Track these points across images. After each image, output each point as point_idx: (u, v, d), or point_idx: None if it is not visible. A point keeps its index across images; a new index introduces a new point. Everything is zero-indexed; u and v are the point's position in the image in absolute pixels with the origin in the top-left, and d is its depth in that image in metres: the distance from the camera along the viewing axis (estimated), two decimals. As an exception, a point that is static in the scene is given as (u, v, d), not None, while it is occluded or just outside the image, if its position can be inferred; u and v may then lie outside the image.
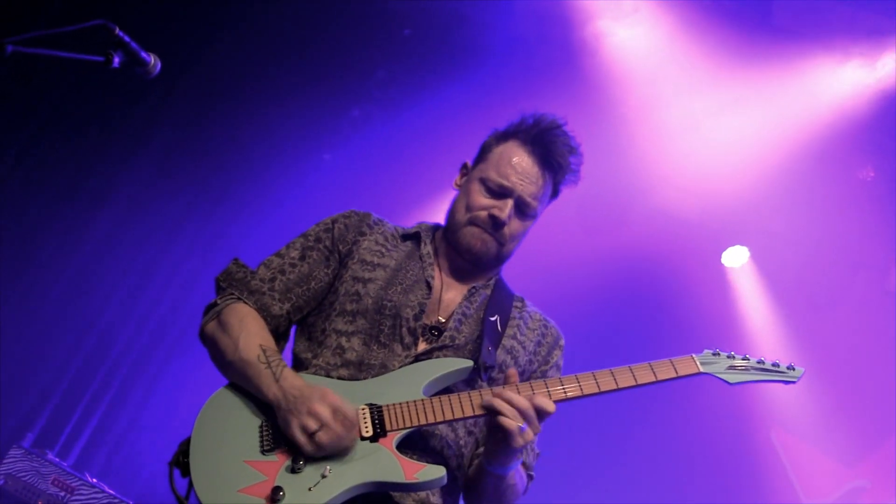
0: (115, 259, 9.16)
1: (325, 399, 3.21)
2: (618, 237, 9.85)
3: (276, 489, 3.10)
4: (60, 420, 8.82)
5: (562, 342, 3.92)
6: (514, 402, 3.27)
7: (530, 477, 3.76)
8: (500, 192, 3.73)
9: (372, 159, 9.91)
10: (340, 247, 3.80)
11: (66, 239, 8.77)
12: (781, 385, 3.68)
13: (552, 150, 3.80)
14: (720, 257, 10.09)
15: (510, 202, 3.71)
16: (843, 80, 8.43)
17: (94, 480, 7.49)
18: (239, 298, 3.64)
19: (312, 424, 3.16)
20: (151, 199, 9.33)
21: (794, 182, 9.05)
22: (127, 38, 3.33)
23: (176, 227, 9.63)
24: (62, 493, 7.23)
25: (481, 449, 3.61)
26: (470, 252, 3.75)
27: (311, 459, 3.19)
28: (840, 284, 9.43)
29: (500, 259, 3.83)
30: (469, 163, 3.96)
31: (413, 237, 3.93)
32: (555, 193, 3.93)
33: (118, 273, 9.24)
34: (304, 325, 3.76)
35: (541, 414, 3.30)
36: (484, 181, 3.77)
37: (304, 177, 9.95)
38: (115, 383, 9.29)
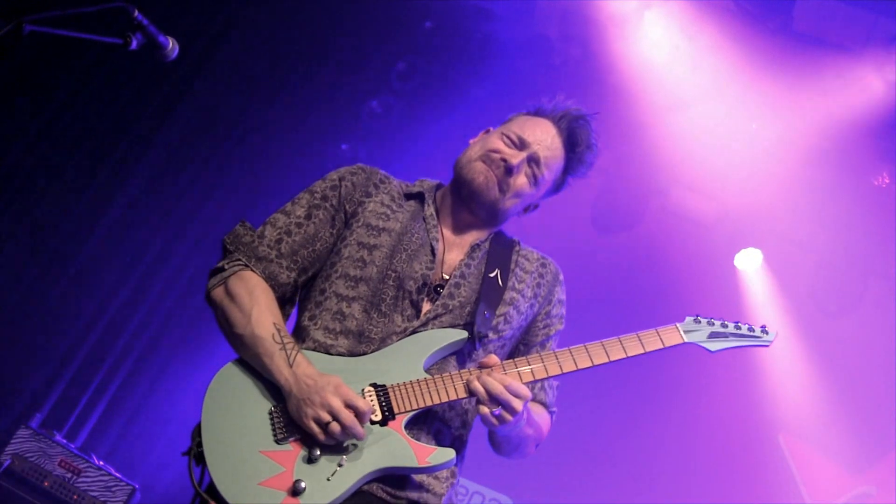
0: (128, 244, 9.17)
1: (339, 391, 3.25)
2: (632, 236, 9.83)
3: (297, 482, 3.14)
4: (69, 402, 8.84)
5: (561, 277, 3.97)
6: (489, 386, 3.33)
7: (552, 413, 3.86)
8: (517, 144, 3.78)
9: (389, 151, 9.90)
10: (347, 206, 3.79)
11: (81, 221, 8.78)
12: (759, 349, 3.77)
13: (577, 134, 3.87)
14: (733, 259, 10.07)
15: (524, 154, 3.76)
16: (860, 86, 8.40)
17: (101, 463, 7.51)
18: (246, 266, 3.64)
19: (326, 416, 3.20)
20: (168, 183, 9.34)
21: (809, 187, 9.02)
22: (145, 21, 3.35)
23: (191, 212, 9.63)
24: (69, 475, 7.25)
25: None
26: (470, 186, 3.77)
27: (326, 448, 3.23)
28: (852, 291, 9.39)
29: (494, 209, 3.81)
30: (492, 128, 3.98)
31: (416, 196, 3.93)
32: (562, 183, 3.98)
33: (131, 257, 9.25)
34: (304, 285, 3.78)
35: (518, 396, 3.35)
36: (505, 133, 3.83)
37: (320, 165, 9.91)
38: (125, 367, 9.30)
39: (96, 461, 7.48)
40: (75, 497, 7.21)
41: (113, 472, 7.50)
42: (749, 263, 10.03)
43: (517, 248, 3.92)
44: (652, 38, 8.79)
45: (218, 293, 3.62)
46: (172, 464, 9.27)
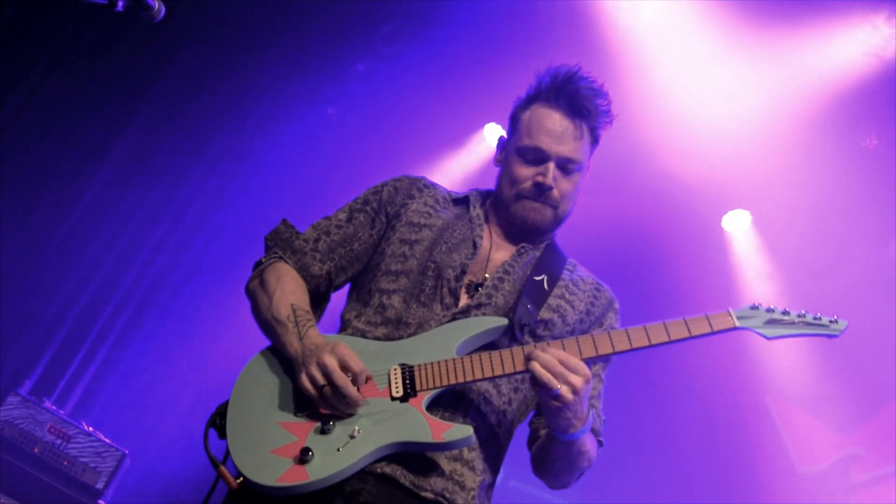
0: (117, 207, 9.16)
1: (335, 351, 3.22)
2: (618, 199, 9.78)
3: (305, 450, 3.13)
4: (58, 368, 8.84)
5: (616, 305, 3.88)
6: (543, 360, 3.22)
7: (599, 443, 3.69)
8: (538, 159, 3.72)
9: (375, 114, 9.88)
10: (388, 209, 3.83)
11: (69, 186, 8.76)
12: (823, 339, 3.61)
13: (576, 99, 3.77)
14: (721, 221, 10.06)
15: (551, 165, 3.70)
16: (849, 46, 8.36)
17: (91, 429, 7.52)
18: (281, 258, 3.72)
19: (319, 375, 3.19)
20: (155, 145, 9.33)
21: (797, 148, 9.00)
22: (132, -19, 3.30)
23: (179, 174, 9.63)
24: (58, 441, 7.26)
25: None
26: (527, 224, 3.76)
27: (341, 420, 3.22)
28: (840, 252, 9.39)
29: (558, 221, 3.82)
30: (505, 136, 3.96)
31: (463, 201, 3.94)
32: (595, 140, 3.89)
33: (119, 221, 9.24)
34: (354, 286, 3.83)
35: (575, 371, 3.22)
36: (521, 152, 3.76)
37: (307, 129, 9.93)
38: (113, 332, 9.30)
39: (86, 427, 7.49)
40: (65, 463, 7.22)
41: (102, 437, 7.52)
42: (737, 225, 10.03)
43: (570, 268, 3.89)
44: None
45: (253, 284, 3.72)
46: (162, 429, 9.28)
